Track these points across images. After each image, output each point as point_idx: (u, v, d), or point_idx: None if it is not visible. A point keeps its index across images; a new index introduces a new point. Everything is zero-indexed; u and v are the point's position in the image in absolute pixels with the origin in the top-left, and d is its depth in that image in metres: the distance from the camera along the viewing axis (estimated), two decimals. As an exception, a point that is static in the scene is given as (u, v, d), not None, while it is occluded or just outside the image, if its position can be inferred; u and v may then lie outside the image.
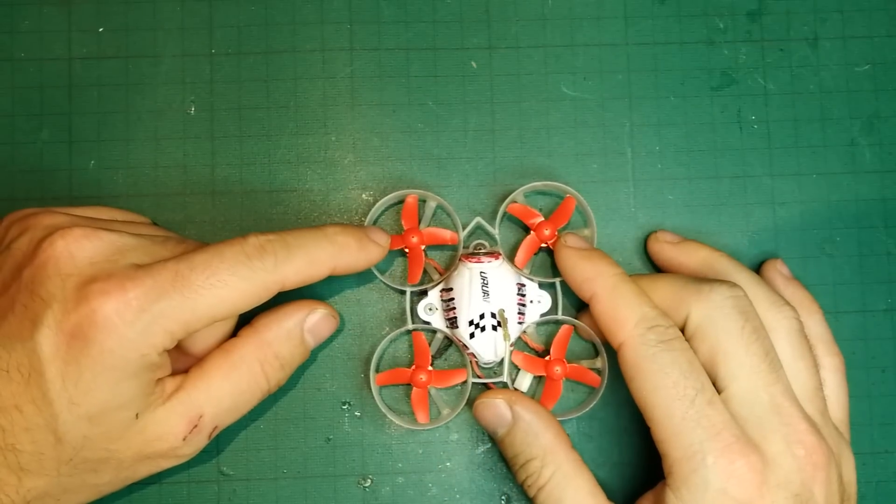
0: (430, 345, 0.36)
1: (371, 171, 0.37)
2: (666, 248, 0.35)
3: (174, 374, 0.31)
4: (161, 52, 0.37)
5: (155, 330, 0.28)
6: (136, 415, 0.29)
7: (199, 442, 0.31)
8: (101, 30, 0.37)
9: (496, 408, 0.32)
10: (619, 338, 0.31)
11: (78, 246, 0.29)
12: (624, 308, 0.31)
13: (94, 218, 0.32)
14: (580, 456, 0.32)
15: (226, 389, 0.31)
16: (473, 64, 0.38)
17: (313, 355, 0.36)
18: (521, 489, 0.32)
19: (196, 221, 0.37)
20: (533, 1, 0.38)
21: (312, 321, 0.33)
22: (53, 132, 0.37)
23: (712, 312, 0.31)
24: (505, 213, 0.36)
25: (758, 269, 0.37)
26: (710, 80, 0.38)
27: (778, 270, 0.36)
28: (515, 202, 0.36)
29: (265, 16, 0.37)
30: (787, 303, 0.32)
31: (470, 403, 0.36)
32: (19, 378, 0.28)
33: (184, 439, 0.30)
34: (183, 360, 0.32)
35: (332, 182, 0.37)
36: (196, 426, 0.30)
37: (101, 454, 0.29)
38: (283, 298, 0.32)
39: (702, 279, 0.32)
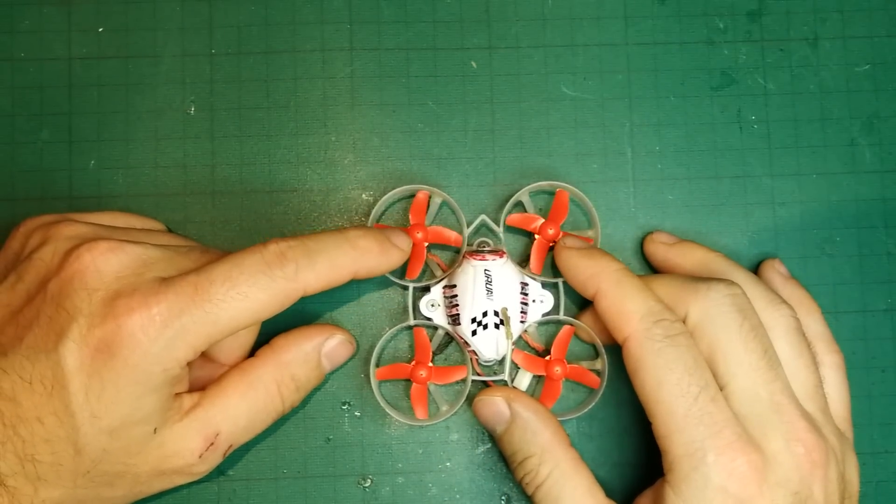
0: (430, 341, 0.36)
1: (371, 171, 0.37)
2: (662, 249, 0.35)
3: (198, 382, 0.32)
4: (161, 52, 0.37)
5: (178, 345, 0.28)
6: (155, 429, 0.29)
7: (214, 460, 0.31)
8: (101, 30, 0.37)
9: (495, 405, 0.32)
10: (625, 332, 0.31)
11: (104, 260, 0.29)
12: (629, 302, 0.31)
13: (114, 227, 0.32)
14: (578, 454, 0.32)
15: (242, 408, 0.31)
16: (473, 64, 0.38)
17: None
18: (520, 487, 0.32)
19: (196, 221, 0.37)
20: (533, 1, 0.38)
21: (330, 346, 0.33)
22: (53, 132, 0.37)
23: (710, 310, 0.31)
24: (508, 213, 0.36)
25: (756, 269, 0.37)
26: (710, 80, 0.38)
27: (776, 270, 0.36)
28: (520, 201, 0.36)
29: (265, 16, 0.37)
30: (784, 301, 0.32)
31: (469, 401, 0.36)
32: (42, 390, 0.28)
33: (200, 456, 0.30)
34: (209, 367, 0.32)
35: (332, 182, 0.37)
36: (212, 444, 0.31)
37: (118, 468, 0.29)
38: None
39: (699, 278, 0.32)
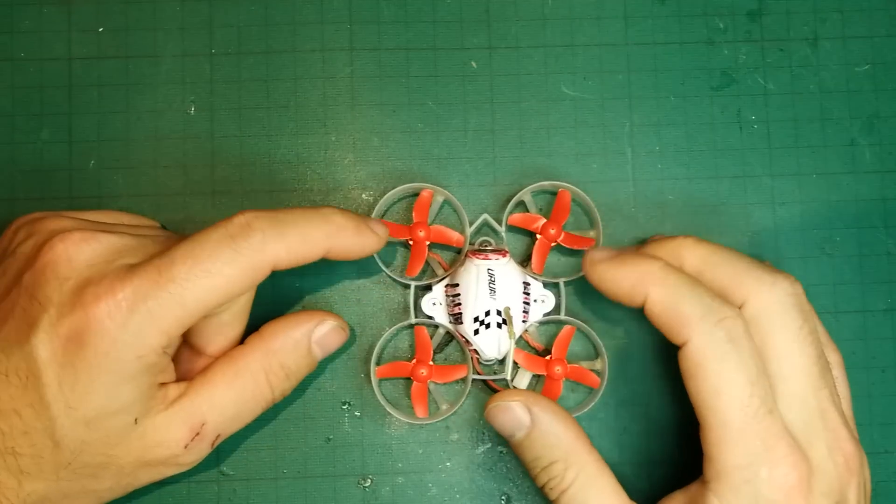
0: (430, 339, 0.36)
1: (371, 171, 0.37)
2: None
3: (189, 375, 0.31)
4: (161, 52, 0.37)
5: (148, 331, 0.28)
6: (136, 420, 0.29)
7: (202, 450, 0.31)
8: (101, 30, 0.37)
9: (513, 411, 0.31)
10: (685, 335, 0.29)
11: (76, 249, 0.29)
12: (685, 303, 0.29)
13: (98, 222, 0.32)
14: (600, 455, 0.31)
15: (229, 397, 0.31)
16: (473, 64, 0.38)
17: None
18: (540, 492, 0.31)
19: (196, 221, 0.36)
20: (533, 1, 0.38)
21: (321, 332, 0.32)
22: (53, 132, 0.37)
23: (772, 307, 0.29)
24: (511, 212, 0.36)
25: None
26: (710, 80, 0.38)
27: None
28: (522, 202, 0.36)
29: (265, 16, 0.37)
30: None
31: (470, 399, 0.36)
32: (17, 382, 0.28)
33: (185, 447, 0.30)
34: (197, 359, 0.32)
35: (332, 182, 0.37)
36: (198, 434, 0.30)
37: (100, 459, 0.29)
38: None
39: (763, 265, 0.30)
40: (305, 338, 0.32)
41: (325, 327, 0.33)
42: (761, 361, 0.29)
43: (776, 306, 0.29)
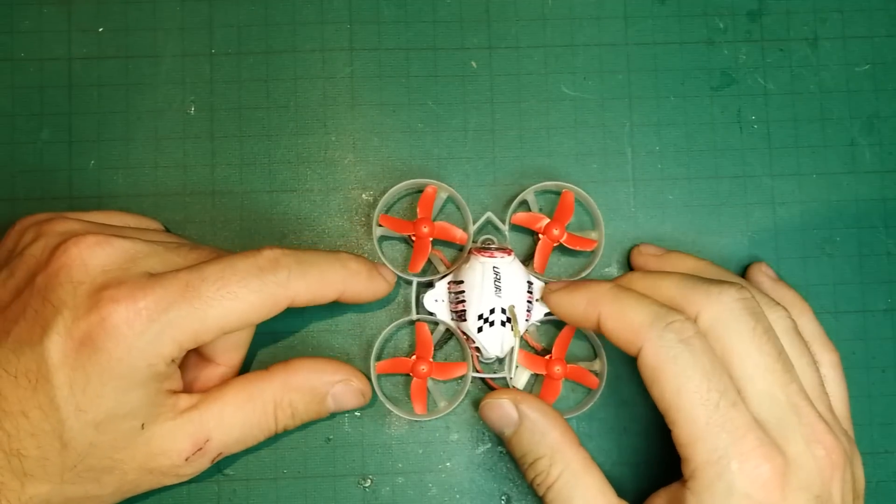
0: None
1: (371, 171, 0.37)
2: (651, 262, 0.35)
3: (197, 383, 0.32)
4: (161, 52, 0.37)
5: (163, 340, 0.28)
6: (142, 425, 0.29)
7: (202, 465, 0.31)
8: (101, 30, 0.37)
9: (501, 408, 0.32)
10: (638, 343, 0.30)
11: (91, 253, 0.29)
12: (632, 313, 0.30)
13: (107, 224, 0.32)
14: (588, 454, 0.31)
15: (237, 419, 0.31)
16: (473, 64, 0.38)
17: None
18: (531, 488, 0.32)
19: (196, 221, 0.37)
20: (533, 1, 0.38)
21: (341, 388, 0.33)
22: (53, 132, 0.37)
23: (723, 314, 0.30)
24: (514, 211, 0.36)
25: (743, 273, 0.36)
26: (710, 80, 0.38)
27: (764, 273, 0.36)
28: (525, 201, 0.36)
29: (265, 16, 0.37)
30: (778, 303, 0.32)
31: (469, 398, 0.36)
32: (27, 383, 0.28)
33: (186, 459, 0.30)
34: (205, 367, 0.32)
35: (332, 182, 0.37)
36: (201, 449, 0.30)
37: (105, 463, 0.29)
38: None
39: (707, 279, 0.31)
40: (325, 387, 0.33)
41: (347, 386, 0.33)
42: (716, 357, 0.29)
43: (726, 313, 0.30)
